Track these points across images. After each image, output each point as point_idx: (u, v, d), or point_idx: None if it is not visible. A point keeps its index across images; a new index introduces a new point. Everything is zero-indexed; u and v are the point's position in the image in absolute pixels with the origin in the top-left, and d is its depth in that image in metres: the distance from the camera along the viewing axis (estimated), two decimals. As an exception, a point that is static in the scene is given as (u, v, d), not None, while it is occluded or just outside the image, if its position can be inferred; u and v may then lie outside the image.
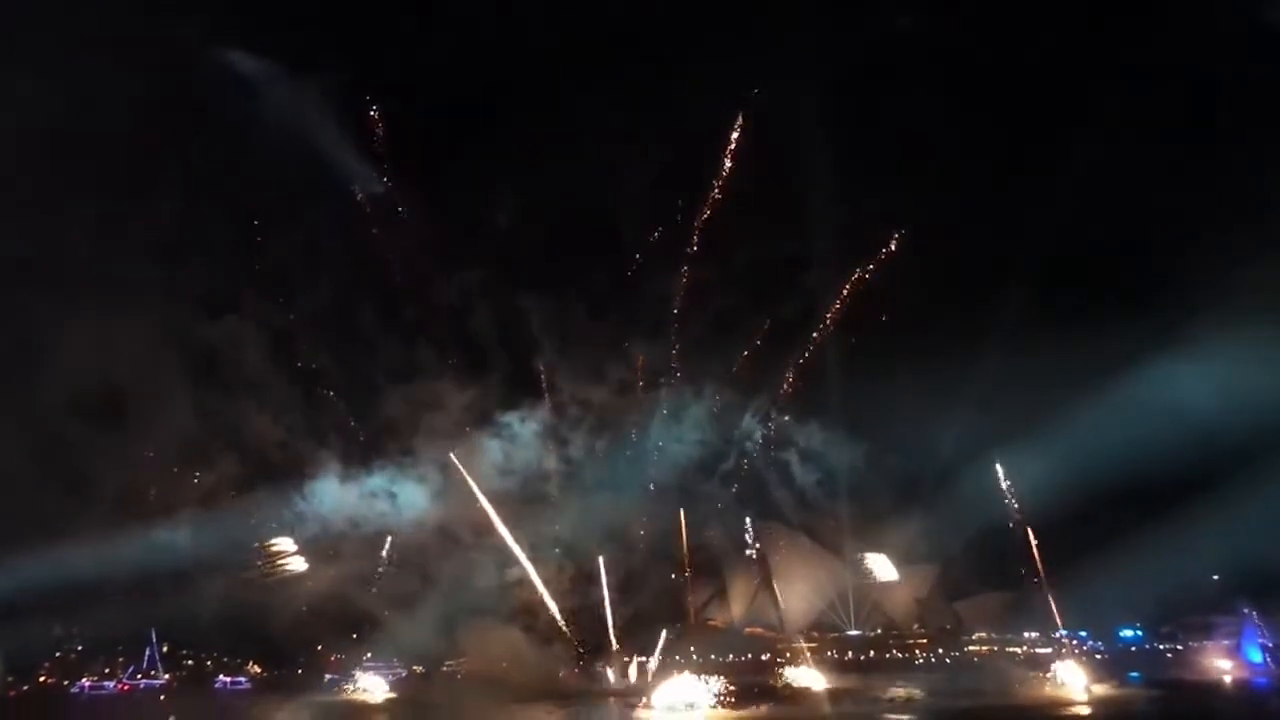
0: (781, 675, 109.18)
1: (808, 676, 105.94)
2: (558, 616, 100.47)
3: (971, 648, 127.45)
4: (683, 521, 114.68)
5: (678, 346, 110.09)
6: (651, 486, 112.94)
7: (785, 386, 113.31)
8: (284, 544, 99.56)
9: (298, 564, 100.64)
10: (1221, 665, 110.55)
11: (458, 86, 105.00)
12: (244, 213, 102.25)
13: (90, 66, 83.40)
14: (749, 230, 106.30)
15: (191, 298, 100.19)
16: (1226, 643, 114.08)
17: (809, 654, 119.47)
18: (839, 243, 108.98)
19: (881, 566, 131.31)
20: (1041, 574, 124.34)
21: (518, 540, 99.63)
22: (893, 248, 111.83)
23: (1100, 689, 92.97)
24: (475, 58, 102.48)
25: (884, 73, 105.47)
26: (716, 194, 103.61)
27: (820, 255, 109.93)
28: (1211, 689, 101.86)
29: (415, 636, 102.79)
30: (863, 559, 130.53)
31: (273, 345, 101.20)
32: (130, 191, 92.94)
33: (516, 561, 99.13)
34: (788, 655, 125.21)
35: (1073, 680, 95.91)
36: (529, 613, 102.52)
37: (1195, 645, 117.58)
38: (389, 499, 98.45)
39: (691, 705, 76.56)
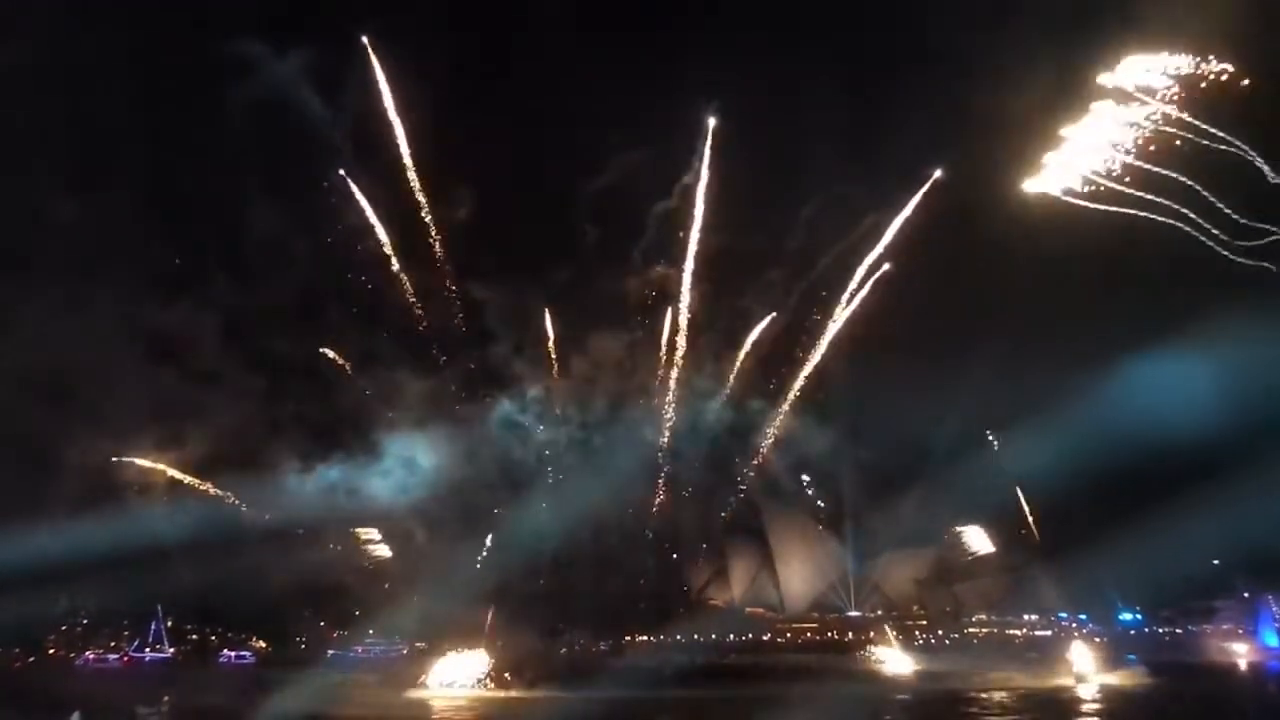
0: (867, 655, 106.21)
1: (894, 657, 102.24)
2: None
3: (971, 630, 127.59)
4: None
5: (639, 331, 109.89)
6: (662, 470, 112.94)
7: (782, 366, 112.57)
8: (370, 533, 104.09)
9: (383, 550, 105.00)
10: (1236, 649, 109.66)
11: (430, 70, 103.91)
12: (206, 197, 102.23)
13: (52, 41, 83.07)
14: (742, 216, 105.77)
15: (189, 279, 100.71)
16: (1226, 626, 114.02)
17: (895, 634, 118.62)
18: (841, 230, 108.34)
19: (977, 539, 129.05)
20: (1041, 557, 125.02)
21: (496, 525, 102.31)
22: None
23: (1119, 675, 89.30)
24: (447, 43, 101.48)
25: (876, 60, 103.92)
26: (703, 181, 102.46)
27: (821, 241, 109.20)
28: (1228, 673, 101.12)
29: (409, 615, 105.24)
30: (959, 532, 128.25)
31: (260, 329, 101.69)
32: (94, 170, 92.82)
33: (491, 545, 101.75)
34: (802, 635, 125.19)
35: (1084, 664, 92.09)
36: (500, 593, 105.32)
37: (1195, 629, 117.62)
38: (373, 482, 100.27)
39: (457, 683, 78.30)
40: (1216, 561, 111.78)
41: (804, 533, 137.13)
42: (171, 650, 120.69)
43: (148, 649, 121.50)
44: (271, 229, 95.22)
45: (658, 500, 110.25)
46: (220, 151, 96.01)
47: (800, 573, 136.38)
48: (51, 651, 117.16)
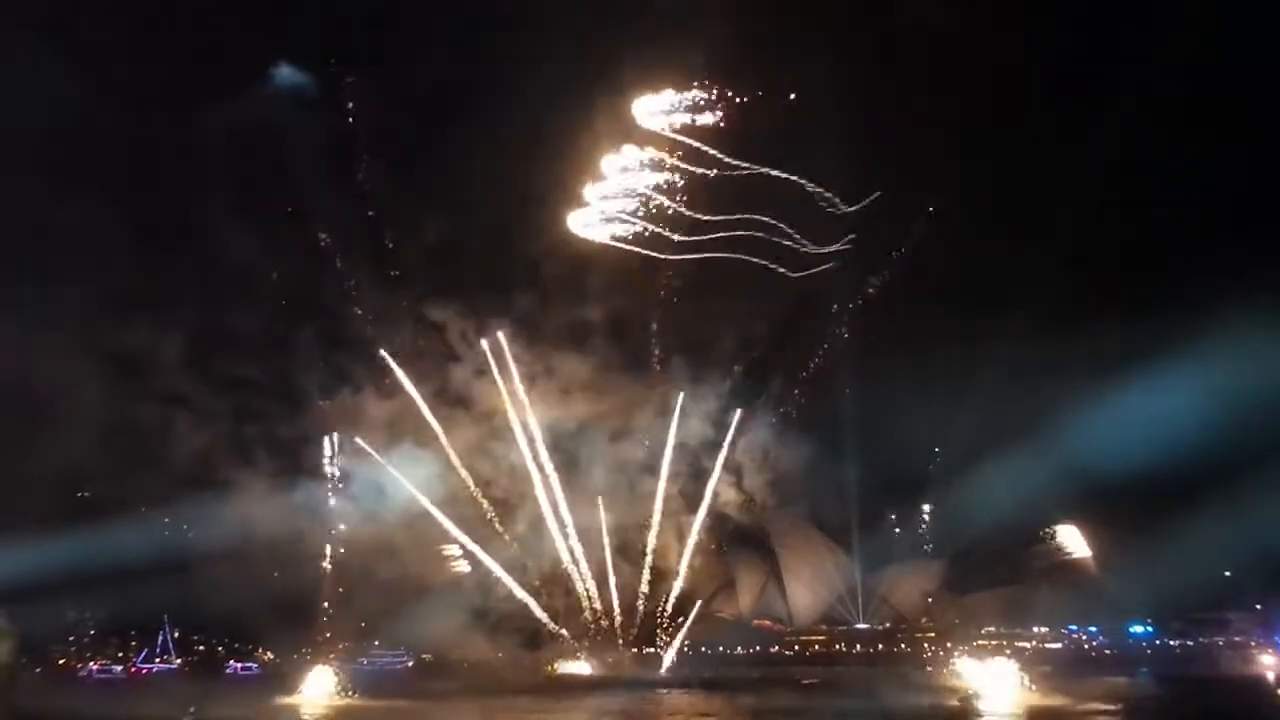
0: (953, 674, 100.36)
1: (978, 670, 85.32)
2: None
3: (980, 642, 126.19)
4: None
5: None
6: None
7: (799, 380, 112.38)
8: (452, 549, 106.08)
9: (463, 566, 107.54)
10: (1263, 660, 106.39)
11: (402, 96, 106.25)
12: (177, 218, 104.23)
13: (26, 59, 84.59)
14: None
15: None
16: (1239, 638, 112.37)
17: (985, 646, 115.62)
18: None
19: (1073, 540, 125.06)
20: (1051, 570, 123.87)
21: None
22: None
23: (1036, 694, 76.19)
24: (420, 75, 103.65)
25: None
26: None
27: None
28: (1248, 686, 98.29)
29: (411, 627, 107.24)
30: (1053, 533, 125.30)
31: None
32: (64, 190, 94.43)
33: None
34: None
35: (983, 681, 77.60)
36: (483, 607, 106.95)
37: (1207, 641, 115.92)
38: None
39: (332, 692, 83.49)
40: (1228, 574, 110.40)
41: (811, 545, 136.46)
42: (178, 661, 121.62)
43: (157, 660, 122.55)
44: (237, 253, 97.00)
45: (655, 514, 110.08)
46: (190, 174, 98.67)
47: (808, 585, 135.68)
48: (61, 662, 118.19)
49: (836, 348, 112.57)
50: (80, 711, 75.65)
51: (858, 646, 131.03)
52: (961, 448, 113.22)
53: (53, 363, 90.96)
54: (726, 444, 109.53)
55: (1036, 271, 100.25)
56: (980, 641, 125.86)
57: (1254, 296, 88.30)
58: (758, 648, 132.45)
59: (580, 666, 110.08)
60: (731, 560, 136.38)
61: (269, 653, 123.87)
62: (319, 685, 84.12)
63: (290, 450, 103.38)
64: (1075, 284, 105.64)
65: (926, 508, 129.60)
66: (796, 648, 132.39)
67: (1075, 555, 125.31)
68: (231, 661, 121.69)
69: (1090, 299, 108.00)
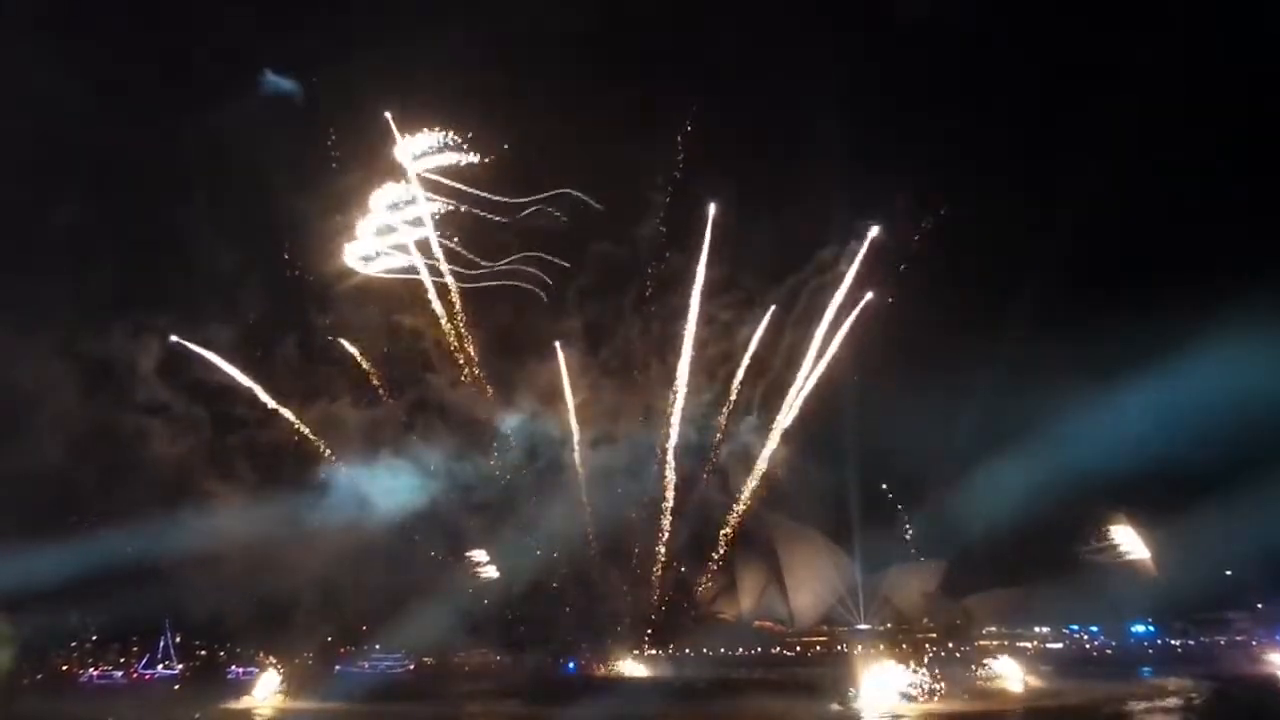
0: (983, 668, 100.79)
1: (1009, 671, 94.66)
2: None
3: (982, 643, 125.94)
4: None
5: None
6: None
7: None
8: (479, 555, 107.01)
9: (491, 571, 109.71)
10: (1275, 659, 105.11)
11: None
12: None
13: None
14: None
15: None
16: (1240, 638, 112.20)
17: (1009, 646, 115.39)
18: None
19: (1129, 540, 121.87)
20: (1051, 569, 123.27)
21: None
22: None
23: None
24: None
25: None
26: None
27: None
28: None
29: (410, 630, 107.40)
30: (1107, 530, 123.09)
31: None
32: (47, 196, 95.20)
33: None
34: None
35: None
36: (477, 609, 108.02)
37: (1208, 641, 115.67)
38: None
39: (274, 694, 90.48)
40: (1229, 573, 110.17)
41: (812, 546, 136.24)
42: (180, 667, 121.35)
43: (160, 665, 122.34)
44: (221, 261, 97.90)
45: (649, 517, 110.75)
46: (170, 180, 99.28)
47: (809, 586, 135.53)
48: (65, 668, 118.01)
49: (837, 347, 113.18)
50: (75, 716, 76.29)
51: (859, 648, 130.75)
52: (963, 447, 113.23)
53: (49, 366, 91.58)
54: (718, 446, 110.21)
55: (1033, 273, 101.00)
56: (981, 642, 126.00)
57: (1251, 297, 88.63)
58: (758, 649, 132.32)
59: (634, 668, 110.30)
60: (732, 562, 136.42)
61: (270, 657, 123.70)
62: (267, 688, 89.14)
63: (285, 456, 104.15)
64: (1073, 285, 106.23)
65: (927, 508, 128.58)
66: (798, 649, 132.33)
67: (1132, 557, 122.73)
68: (233, 666, 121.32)
69: (1089, 300, 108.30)
